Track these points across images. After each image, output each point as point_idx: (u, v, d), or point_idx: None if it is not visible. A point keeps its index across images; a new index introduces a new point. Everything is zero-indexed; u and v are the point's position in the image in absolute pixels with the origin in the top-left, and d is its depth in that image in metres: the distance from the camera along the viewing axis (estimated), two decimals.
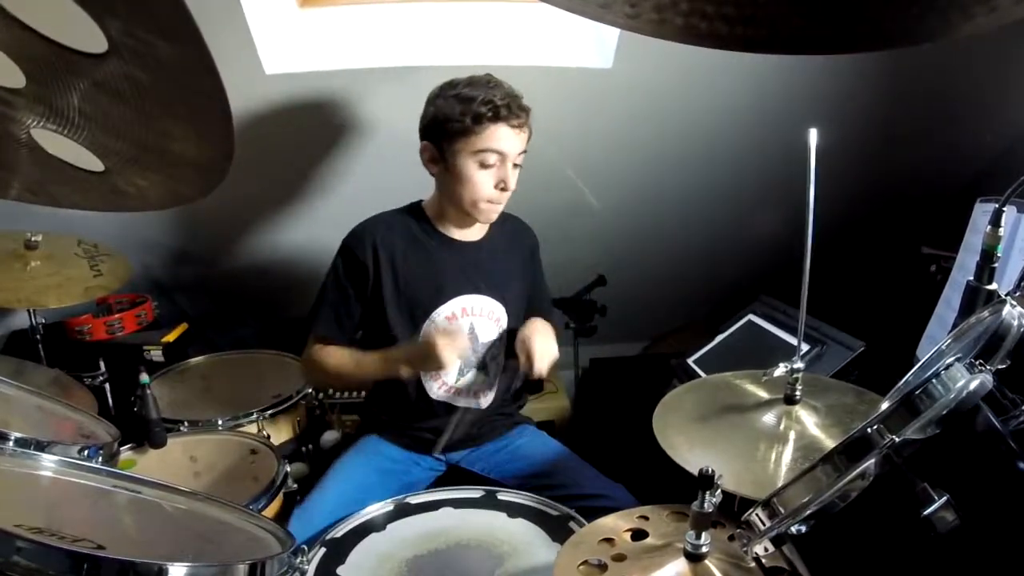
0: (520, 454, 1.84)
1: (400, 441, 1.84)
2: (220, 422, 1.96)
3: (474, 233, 1.81)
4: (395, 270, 1.73)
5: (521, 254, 1.89)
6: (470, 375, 1.81)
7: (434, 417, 1.80)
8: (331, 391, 2.34)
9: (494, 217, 1.74)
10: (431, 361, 1.60)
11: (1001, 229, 1.13)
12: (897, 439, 0.79)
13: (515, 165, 1.68)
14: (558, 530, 1.44)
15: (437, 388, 1.79)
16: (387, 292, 1.73)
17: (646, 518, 1.27)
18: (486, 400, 1.84)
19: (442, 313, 1.74)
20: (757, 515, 0.91)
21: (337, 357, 1.75)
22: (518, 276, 1.88)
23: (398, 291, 1.73)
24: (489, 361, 1.82)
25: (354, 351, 1.75)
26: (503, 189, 1.67)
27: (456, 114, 1.59)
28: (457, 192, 1.68)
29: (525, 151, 1.69)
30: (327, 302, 1.76)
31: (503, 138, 1.62)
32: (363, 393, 2.35)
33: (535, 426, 1.99)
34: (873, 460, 0.80)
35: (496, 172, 1.65)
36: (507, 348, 1.83)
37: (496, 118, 1.59)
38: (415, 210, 1.80)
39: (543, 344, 1.67)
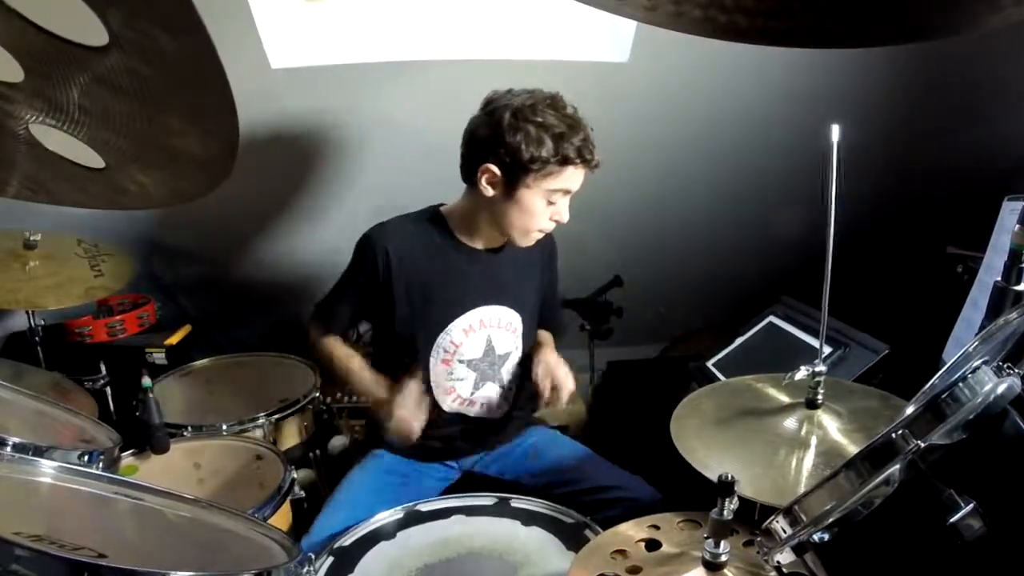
0: (534, 452, 1.83)
1: (409, 452, 1.80)
2: (224, 427, 1.94)
3: (496, 243, 1.76)
4: (409, 281, 1.69)
5: (540, 259, 1.85)
6: (485, 387, 1.79)
7: (445, 426, 1.78)
8: (339, 395, 2.32)
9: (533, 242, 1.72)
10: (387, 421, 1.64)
11: None
12: (922, 444, 0.77)
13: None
14: (573, 538, 1.43)
15: (451, 401, 1.77)
16: (400, 303, 1.70)
17: (657, 527, 1.28)
18: (499, 411, 1.83)
19: (459, 325, 1.72)
20: (778, 523, 0.90)
21: (334, 355, 1.79)
22: (535, 283, 1.85)
23: (411, 302, 1.70)
24: (504, 373, 1.80)
25: (353, 359, 1.77)
26: (557, 221, 1.66)
27: (545, 153, 1.53)
28: (510, 218, 1.64)
29: None
30: (335, 289, 1.78)
31: (578, 179, 1.61)
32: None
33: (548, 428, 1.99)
34: (897, 466, 0.78)
35: (556, 206, 1.63)
36: (522, 362, 1.84)
37: (581, 162, 1.57)
38: (435, 217, 1.75)
39: (567, 378, 1.74)
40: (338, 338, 1.82)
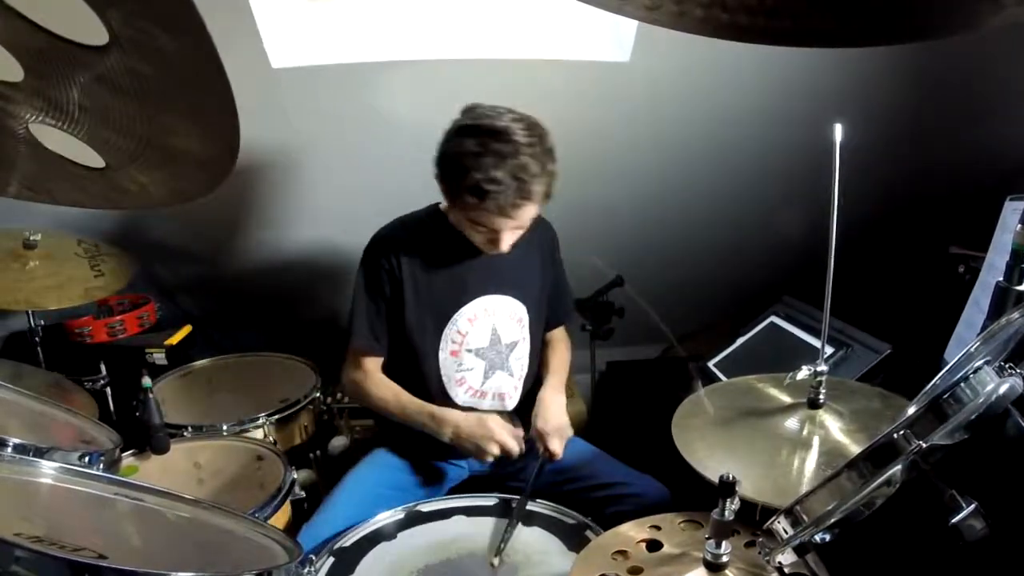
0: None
1: (418, 448, 1.80)
2: (225, 427, 1.94)
3: None
4: (416, 275, 1.71)
5: (541, 250, 1.85)
6: (495, 376, 1.79)
7: None
8: (339, 395, 2.32)
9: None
10: (478, 445, 1.61)
11: None
12: (924, 445, 0.77)
13: (518, 227, 1.62)
14: (573, 539, 1.43)
15: (463, 393, 1.78)
16: (408, 297, 1.71)
17: (658, 527, 1.27)
18: (511, 402, 1.83)
19: (464, 315, 1.73)
20: (780, 523, 0.90)
21: (382, 391, 1.75)
22: (539, 273, 1.86)
23: (418, 296, 1.72)
24: (513, 361, 1.81)
25: (400, 391, 1.74)
26: (496, 248, 1.63)
27: (454, 177, 1.52)
28: (460, 227, 1.67)
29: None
30: (359, 313, 1.75)
31: (496, 221, 1.56)
32: None
33: None
34: (899, 466, 0.79)
35: (489, 234, 1.61)
36: (532, 352, 1.84)
37: (485, 205, 1.51)
38: (435, 214, 1.77)
39: (556, 432, 1.69)
40: (381, 375, 1.77)
